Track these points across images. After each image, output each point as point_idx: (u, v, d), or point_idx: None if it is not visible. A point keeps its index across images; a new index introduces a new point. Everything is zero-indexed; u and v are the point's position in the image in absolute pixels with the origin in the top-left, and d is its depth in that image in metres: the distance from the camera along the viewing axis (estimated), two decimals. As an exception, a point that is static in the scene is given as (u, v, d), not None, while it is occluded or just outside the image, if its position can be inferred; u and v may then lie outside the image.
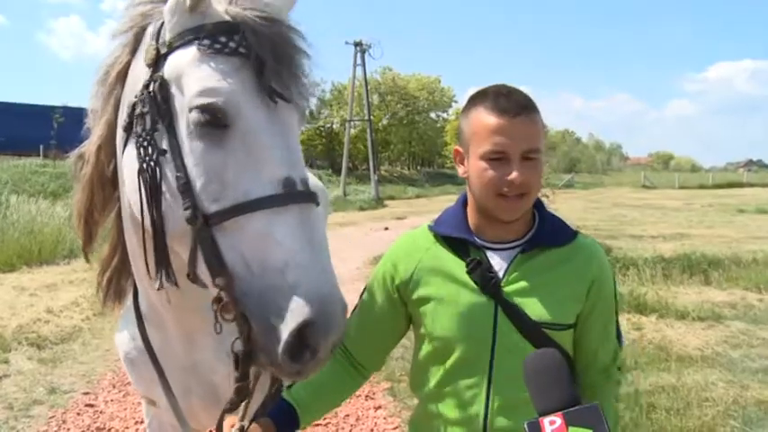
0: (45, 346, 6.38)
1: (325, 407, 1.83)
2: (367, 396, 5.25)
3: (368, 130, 42.26)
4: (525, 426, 1.24)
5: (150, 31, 1.53)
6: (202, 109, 1.34)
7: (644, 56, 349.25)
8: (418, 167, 70.68)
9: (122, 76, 1.63)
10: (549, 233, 1.73)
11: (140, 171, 1.42)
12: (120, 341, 2.05)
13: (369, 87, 45.08)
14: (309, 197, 1.35)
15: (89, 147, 1.76)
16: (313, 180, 3.59)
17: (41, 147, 28.77)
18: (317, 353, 1.26)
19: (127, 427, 4.66)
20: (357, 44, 40.41)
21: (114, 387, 5.42)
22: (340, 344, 1.33)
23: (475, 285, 1.68)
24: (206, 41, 1.37)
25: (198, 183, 1.35)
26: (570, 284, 1.68)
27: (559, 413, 1.23)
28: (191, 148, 1.37)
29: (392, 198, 37.66)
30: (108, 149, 1.72)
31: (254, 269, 1.27)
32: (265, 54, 1.36)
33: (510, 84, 1.72)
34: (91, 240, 1.91)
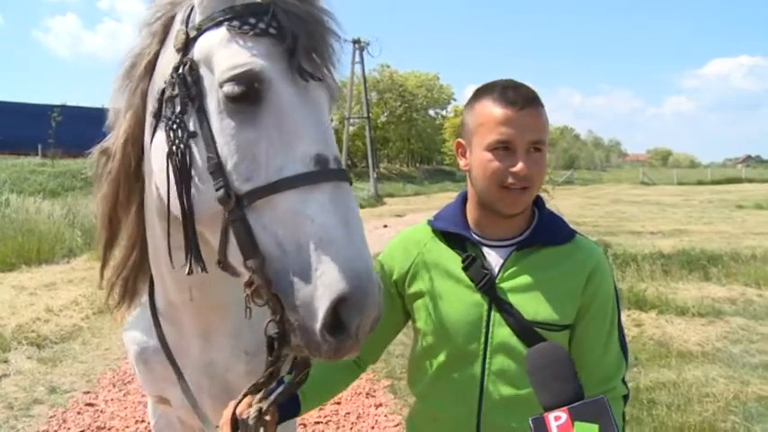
0: (45, 346, 6.38)
1: (323, 396, 1.81)
2: (368, 394, 5.25)
3: (366, 128, 42.22)
4: (530, 422, 1.23)
5: (179, 17, 1.51)
6: (236, 80, 1.32)
7: (641, 52, 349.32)
8: (417, 165, 70.69)
9: (151, 67, 1.61)
10: (546, 231, 1.72)
11: (170, 154, 1.41)
12: (131, 340, 2.01)
13: (367, 85, 45.02)
14: (342, 175, 1.33)
15: (115, 141, 1.72)
16: None
17: (40, 146, 28.69)
18: (354, 330, 1.24)
19: (127, 426, 4.65)
20: (356, 42, 40.29)
21: (114, 386, 5.41)
22: (375, 327, 1.31)
23: (470, 282, 1.68)
24: (235, 22, 1.36)
25: (229, 162, 1.33)
26: (566, 284, 1.67)
27: (564, 408, 1.22)
28: (221, 128, 1.35)
29: (391, 195, 37.59)
30: (135, 143, 1.68)
31: (287, 248, 1.25)
32: (296, 33, 1.35)
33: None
34: (114, 240, 1.87)
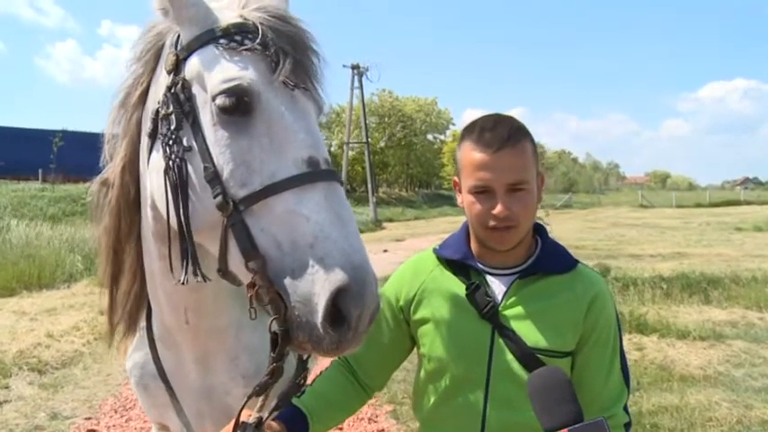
0: (46, 371, 6.37)
1: (331, 419, 1.82)
2: (370, 419, 5.24)
3: (366, 153, 42.36)
4: None
5: (168, 43, 1.59)
6: (227, 93, 1.40)
7: (637, 76, 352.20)
8: (416, 189, 70.77)
9: (144, 95, 1.68)
10: (548, 261, 1.75)
11: (166, 170, 1.47)
12: (131, 367, 2.04)
13: (366, 109, 45.25)
14: (334, 175, 1.40)
15: (113, 170, 1.77)
16: None
17: (40, 171, 28.78)
18: (355, 321, 1.27)
19: (129, 453, 4.63)
20: (354, 67, 40.66)
21: (116, 412, 5.39)
22: (375, 319, 1.34)
23: (474, 309, 1.71)
24: (223, 41, 1.46)
25: (225, 170, 1.39)
26: (567, 312, 1.69)
27: (565, 430, 1.25)
28: (216, 139, 1.42)
29: (390, 220, 37.61)
30: (132, 170, 1.74)
31: (286, 248, 1.30)
32: (281, 48, 1.43)
33: (500, 113, 1.76)
34: (120, 274, 1.88)
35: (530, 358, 1.65)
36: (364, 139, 43.17)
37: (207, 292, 1.51)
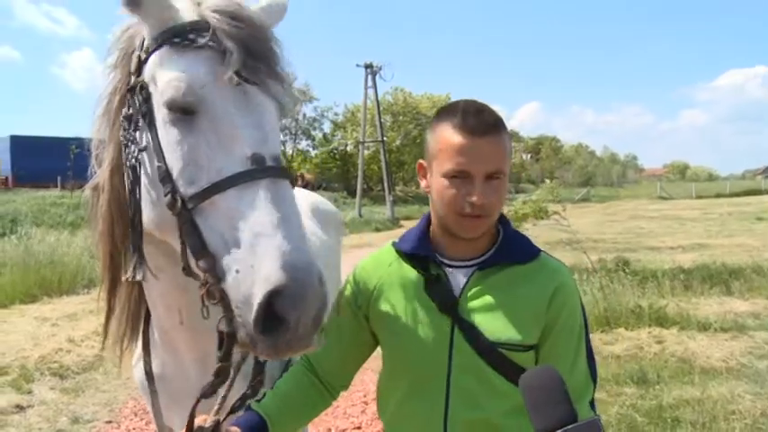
0: (67, 376, 6.43)
1: (293, 421, 1.76)
2: None
3: (381, 151, 42.33)
4: None
5: (137, 44, 1.61)
6: (174, 92, 1.42)
7: (652, 67, 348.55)
8: (433, 186, 70.41)
9: (123, 99, 1.67)
10: (509, 251, 1.70)
11: (126, 168, 1.52)
12: (135, 373, 2.06)
13: (381, 108, 45.20)
14: (279, 172, 1.39)
15: (102, 175, 1.78)
16: (323, 204, 3.61)
17: (59, 178, 29.13)
18: (291, 324, 1.25)
19: (150, 455, 4.66)
20: (368, 66, 40.58)
21: (136, 415, 5.44)
22: (320, 322, 1.31)
23: (432, 303, 1.67)
24: (176, 39, 1.47)
25: (175, 169, 1.42)
26: (529, 304, 1.64)
27: (558, 431, 1.22)
28: (167, 138, 1.45)
29: (408, 218, 37.47)
30: (120, 173, 1.73)
31: (231, 247, 1.31)
32: (233, 43, 1.42)
33: (480, 101, 1.70)
34: (117, 281, 1.85)
35: (491, 352, 1.60)
36: (379, 138, 43.15)
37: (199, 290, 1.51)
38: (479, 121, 1.59)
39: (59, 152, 28.12)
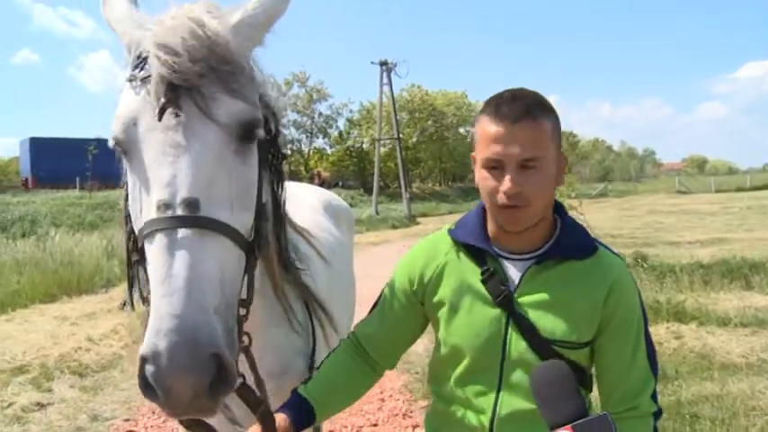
0: (86, 374, 6.49)
1: (340, 402, 1.81)
2: (405, 414, 5.23)
3: (397, 148, 42.33)
4: None
5: None
6: (113, 135, 1.41)
7: (669, 60, 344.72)
8: (450, 183, 70.50)
9: None
10: (566, 245, 1.67)
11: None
12: None
13: (397, 105, 45.18)
14: (188, 221, 1.27)
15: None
16: (335, 200, 3.61)
17: (78, 179, 29.46)
18: (161, 393, 1.19)
19: (167, 453, 4.69)
20: (383, 63, 40.60)
21: (154, 413, 5.46)
22: (204, 388, 1.20)
23: (488, 296, 1.66)
24: (130, 74, 1.43)
25: (131, 206, 1.45)
26: (585, 301, 1.61)
27: (569, 426, 1.21)
28: (129, 176, 1.45)
29: (425, 215, 37.55)
30: None
31: None
32: (160, 74, 1.32)
33: (528, 89, 1.66)
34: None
35: (544, 348, 1.60)
36: (395, 135, 43.15)
37: None
38: (511, 109, 1.56)
39: (78, 153, 28.57)
